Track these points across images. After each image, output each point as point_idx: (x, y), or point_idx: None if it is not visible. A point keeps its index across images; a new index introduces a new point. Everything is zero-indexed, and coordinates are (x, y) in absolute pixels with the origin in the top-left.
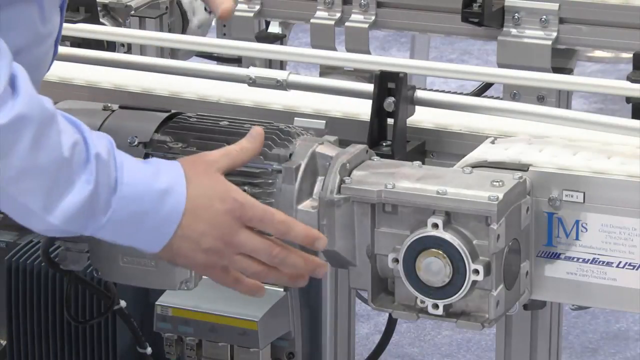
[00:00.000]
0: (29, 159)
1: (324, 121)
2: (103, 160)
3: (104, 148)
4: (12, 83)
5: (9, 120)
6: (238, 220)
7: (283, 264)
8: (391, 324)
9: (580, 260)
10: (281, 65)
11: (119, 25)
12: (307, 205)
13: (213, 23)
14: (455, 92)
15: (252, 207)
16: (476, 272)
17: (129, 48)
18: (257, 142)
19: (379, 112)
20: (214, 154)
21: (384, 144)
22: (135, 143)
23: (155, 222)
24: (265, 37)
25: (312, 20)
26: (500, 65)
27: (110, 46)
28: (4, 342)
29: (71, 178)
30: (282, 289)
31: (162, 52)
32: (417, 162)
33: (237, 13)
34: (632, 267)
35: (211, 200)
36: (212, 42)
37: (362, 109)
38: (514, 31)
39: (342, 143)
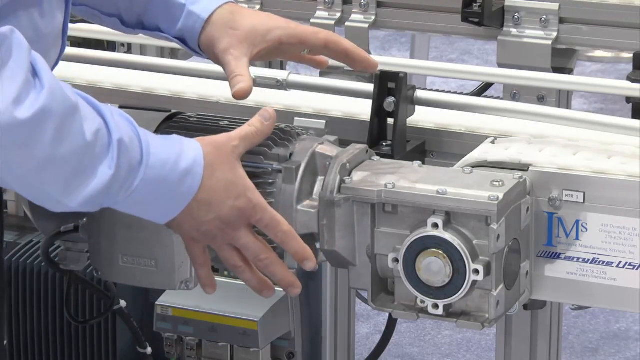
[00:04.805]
0: (50, 150)
1: (324, 121)
2: (125, 145)
3: (126, 132)
4: (34, 73)
5: (32, 114)
6: (246, 219)
7: (264, 269)
8: (391, 324)
9: (581, 260)
10: (281, 65)
11: None
12: (307, 205)
13: None
14: (455, 92)
15: (263, 211)
16: (476, 272)
17: (129, 48)
18: (271, 123)
19: (379, 112)
20: (234, 139)
21: (384, 144)
22: None
23: (170, 202)
24: None
25: (312, 20)
26: (500, 65)
27: (110, 46)
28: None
29: (93, 165)
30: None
31: (162, 52)
32: (417, 162)
33: None
34: (632, 267)
35: (228, 195)
36: None
37: (362, 109)
38: (514, 31)
39: (342, 143)
